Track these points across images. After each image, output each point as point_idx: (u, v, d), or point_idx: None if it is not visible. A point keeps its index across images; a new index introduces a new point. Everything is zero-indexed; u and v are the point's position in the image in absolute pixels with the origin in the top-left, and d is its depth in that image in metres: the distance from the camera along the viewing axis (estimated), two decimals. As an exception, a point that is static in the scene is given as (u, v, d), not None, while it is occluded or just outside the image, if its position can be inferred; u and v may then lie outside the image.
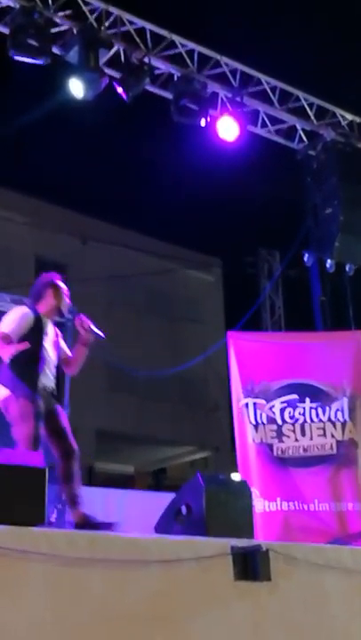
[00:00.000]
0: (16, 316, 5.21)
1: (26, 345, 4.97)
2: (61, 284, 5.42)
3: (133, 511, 8.78)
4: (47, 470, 4.16)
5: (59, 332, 5.43)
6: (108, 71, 7.54)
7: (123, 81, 7.53)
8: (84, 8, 7.38)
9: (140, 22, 7.78)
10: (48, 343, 5.26)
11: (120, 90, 7.53)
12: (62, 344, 5.45)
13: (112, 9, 7.54)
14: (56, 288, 5.38)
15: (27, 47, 6.79)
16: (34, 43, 6.80)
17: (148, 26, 7.82)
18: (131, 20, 7.69)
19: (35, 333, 5.16)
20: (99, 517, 5.20)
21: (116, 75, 7.65)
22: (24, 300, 10.09)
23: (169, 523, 5.00)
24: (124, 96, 7.53)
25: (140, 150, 15.32)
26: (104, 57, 7.39)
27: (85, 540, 4.00)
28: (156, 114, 9.02)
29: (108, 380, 17.96)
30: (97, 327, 5.28)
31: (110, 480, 16.30)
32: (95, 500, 9.48)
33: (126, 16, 7.63)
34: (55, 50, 7.24)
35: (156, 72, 7.97)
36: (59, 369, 5.43)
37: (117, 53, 7.64)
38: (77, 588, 3.87)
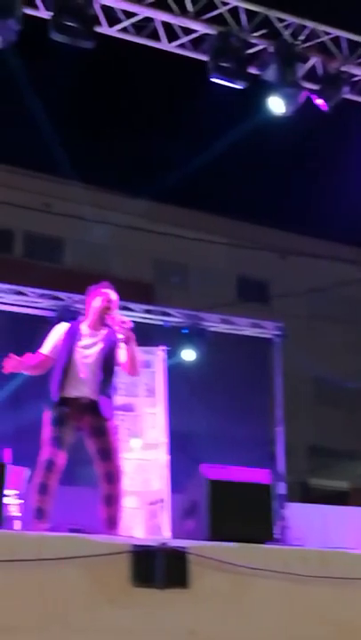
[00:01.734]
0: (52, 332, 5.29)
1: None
2: (107, 292, 5.26)
3: (352, 528, 8.60)
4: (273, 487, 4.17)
5: (116, 339, 5.18)
6: (304, 84, 7.51)
7: (321, 92, 7.48)
8: (278, 25, 7.40)
9: (335, 31, 7.68)
10: (86, 350, 5.15)
11: (320, 101, 7.48)
12: (117, 351, 5.21)
13: (306, 22, 7.51)
14: (95, 298, 5.28)
15: (225, 71, 6.96)
16: (232, 66, 6.95)
17: (343, 34, 7.70)
18: (326, 30, 7.62)
19: (67, 343, 5.14)
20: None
21: (314, 87, 7.61)
22: (230, 319, 10.25)
23: None
24: (324, 107, 7.49)
25: (336, 159, 15.12)
26: (301, 71, 7.38)
27: (317, 557, 3.97)
28: (353, 120, 8.85)
29: (317, 394, 17.79)
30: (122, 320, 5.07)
31: (325, 496, 16.06)
32: (312, 516, 9.42)
33: (321, 27, 7.58)
34: (251, 70, 7.32)
35: (354, 79, 7.83)
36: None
37: (313, 65, 7.59)
38: (310, 606, 3.86)
